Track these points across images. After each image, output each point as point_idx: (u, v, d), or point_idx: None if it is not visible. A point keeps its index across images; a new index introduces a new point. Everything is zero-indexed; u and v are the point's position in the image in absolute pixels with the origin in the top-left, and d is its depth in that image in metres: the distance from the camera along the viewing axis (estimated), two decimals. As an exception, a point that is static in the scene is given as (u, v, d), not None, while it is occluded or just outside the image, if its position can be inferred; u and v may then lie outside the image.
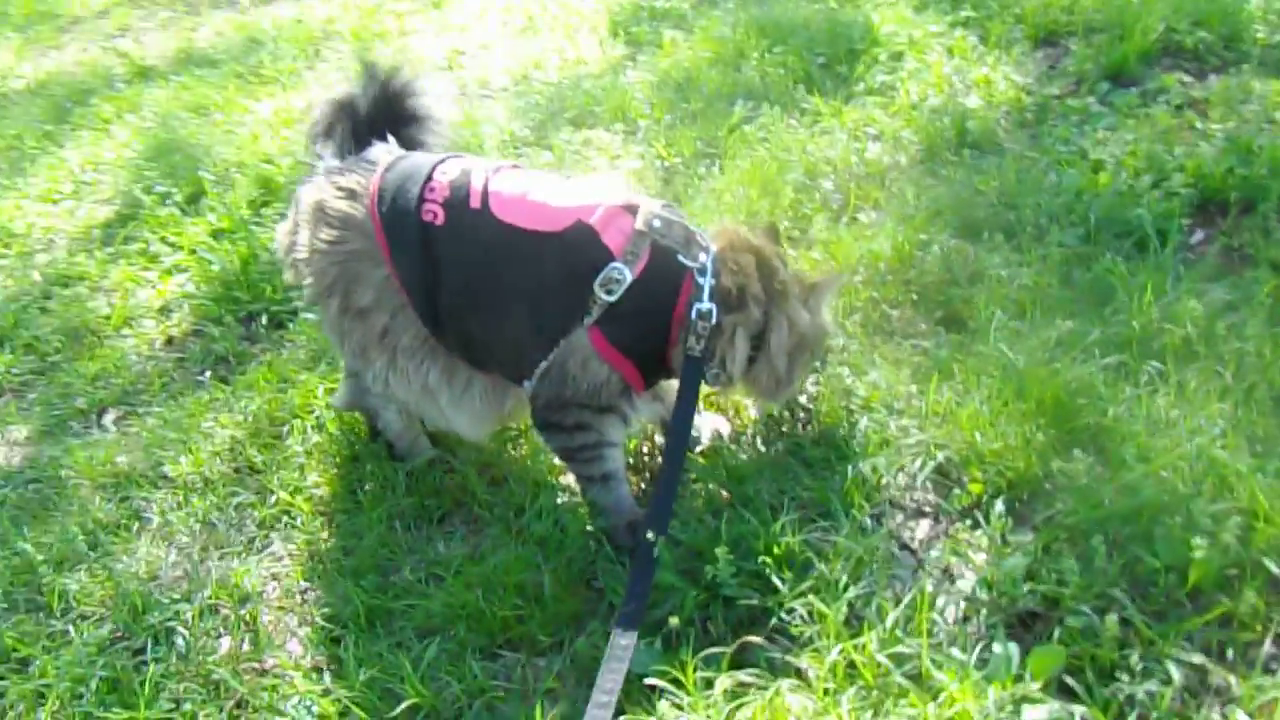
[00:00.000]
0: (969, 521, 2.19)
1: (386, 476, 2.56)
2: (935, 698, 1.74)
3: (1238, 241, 2.73)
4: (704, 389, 2.43)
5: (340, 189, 2.30)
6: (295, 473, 2.66)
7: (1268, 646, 1.78)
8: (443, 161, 2.27)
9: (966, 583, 2.04)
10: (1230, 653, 1.81)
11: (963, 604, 2.01)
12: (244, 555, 2.50)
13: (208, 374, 3.19)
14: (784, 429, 2.50)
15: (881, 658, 1.83)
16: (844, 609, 1.90)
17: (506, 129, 4.04)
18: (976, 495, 2.21)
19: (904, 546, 2.16)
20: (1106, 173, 2.99)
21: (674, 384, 2.26)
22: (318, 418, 2.79)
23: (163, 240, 3.92)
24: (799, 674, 1.87)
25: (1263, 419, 2.12)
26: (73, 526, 2.62)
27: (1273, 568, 1.86)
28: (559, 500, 2.41)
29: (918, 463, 2.30)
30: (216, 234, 3.79)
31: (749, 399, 2.49)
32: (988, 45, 3.88)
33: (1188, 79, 3.48)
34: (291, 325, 3.28)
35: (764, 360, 2.28)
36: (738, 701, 1.80)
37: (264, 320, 3.35)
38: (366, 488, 2.55)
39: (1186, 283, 2.49)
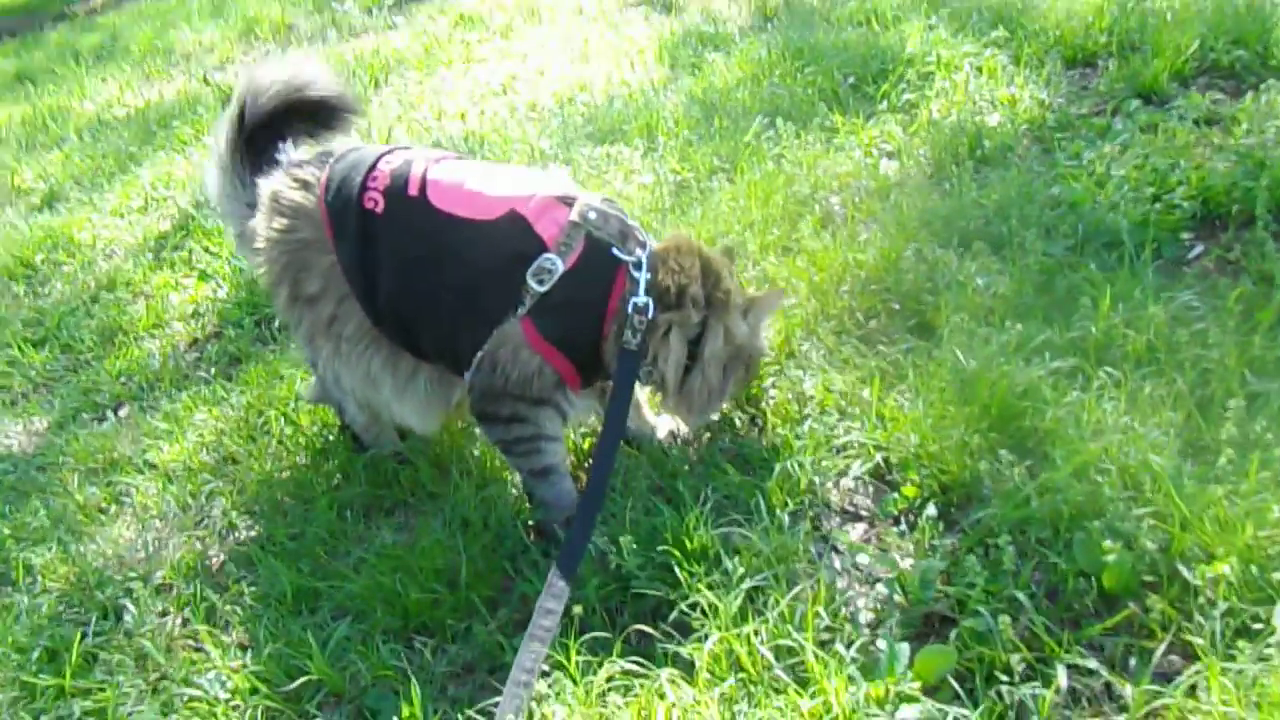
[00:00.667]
0: (902, 526, 2.13)
1: (344, 467, 2.61)
2: (808, 691, 1.70)
3: (1233, 255, 2.60)
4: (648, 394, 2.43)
5: (295, 180, 2.37)
6: (268, 462, 2.73)
7: (1161, 652, 1.67)
8: (390, 152, 2.32)
9: (885, 587, 1.99)
10: (1132, 661, 1.72)
11: (876, 605, 1.95)
12: (206, 539, 2.57)
13: (212, 371, 3.30)
14: (736, 431, 2.46)
15: (764, 651, 1.79)
16: (737, 602, 1.87)
17: (535, 146, 4.10)
18: (910, 499, 2.15)
19: (832, 548, 2.10)
20: (1108, 186, 2.89)
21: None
22: (292, 409, 2.85)
23: (205, 250, 4.09)
24: (690, 667, 1.83)
25: (1213, 428, 2.01)
26: (40, 506, 2.74)
27: (1188, 576, 1.76)
28: (496, 492, 2.41)
29: (856, 465, 2.24)
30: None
31: (679, 415, 2.44)
32: (1018, 65, 3.79)
33: (1220, 97, 3.34)
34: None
35: (698, 369, 2.26)
36: (617, 686, 1.79)
37: (276, 324, 3.46)
38: (323, 476, 2.60)
39: (1152, 290, 2.38)
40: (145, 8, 10.74)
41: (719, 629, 1.83)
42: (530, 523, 2.32)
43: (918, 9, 4.41)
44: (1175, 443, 2.00)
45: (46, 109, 6.88)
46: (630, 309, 2.16)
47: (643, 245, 2.21)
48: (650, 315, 2.17)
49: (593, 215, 2.19)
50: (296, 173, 2.39)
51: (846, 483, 2.26)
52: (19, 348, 3.75)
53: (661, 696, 1.75)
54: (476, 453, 2.60)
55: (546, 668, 1.84)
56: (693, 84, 4.36)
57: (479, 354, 2.20)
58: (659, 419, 2.56)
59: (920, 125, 3.56)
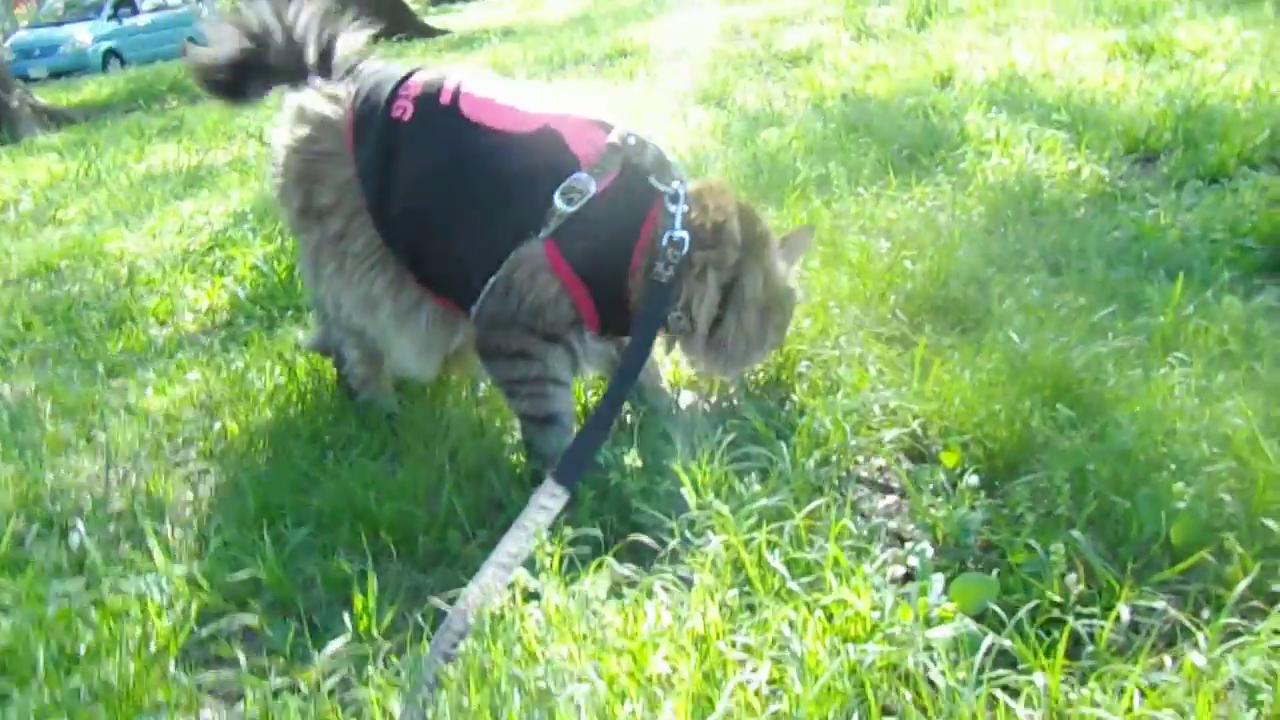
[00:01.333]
0: (937, 497, 1.89)
1: (335, 413, 2.42)
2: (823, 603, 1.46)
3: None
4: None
5: (325, 94, 2.26)
6: (254, 412, 2.53)
7: (1238, 595, 1.41)
8: (426, 69, 2.22)
9: (916, 545, 1.73)
10: (1205, 612, 1.46)
11: (903, 556, 1.71)
12: (171, 475, 2.36)
13: (214, 343, 3.14)
14: (760, 398, 2.25)
15: (774, 562, 1.55)
16: (749, 521, 1.64)
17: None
18: (950, 469, 1.91)
19: (857, 512, 1.87)
20: (1175, 229, 2.73)
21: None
22: (287, 360, 2.67)
23: (229, 258, 3.99)
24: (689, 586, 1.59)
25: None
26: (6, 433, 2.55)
27: (1274, 527, 1.52)
28: (492, 433, 2.20)
29: (890, 433, 2.02)
30: (280, 253, 3.83)
31: (713, 369, 2.22)
32: (1079, 148, 3.69)
33: (1290, 181, 3.21)
34: (310, 314, 3.22)
35: (732, 315, 2.08)
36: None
37: (290, 314, 3.31)
38: (309, 420, 2.40)
39: (1227, 285, 2.19)
40: (216, 105, 11.04)
41: (724, 534, 1.60)
42: (528, 470, 2.10)
43: (977, 105, 4.36)
44: (1255, 419, 1.77)
45: (104, 166, 6.95)
46: (665, 241, 1.99)
47: (680, 179, 2.07)
48: (685, 251, 2.00)
49: (632, 141, 2.05)
50: (327, 88, 2.27)
51: (877, 460, 2.04)
52: (23, 325, 3.62)
53: (651, 595, 1.51)
54: (477, 409, 2.40)
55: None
56: (745, 149, 4.29)
57: (492, 278, 2.03)
58: (682, 392, 2.36)
59: (976, 186, 3.44)
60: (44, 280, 4.26)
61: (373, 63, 2.33)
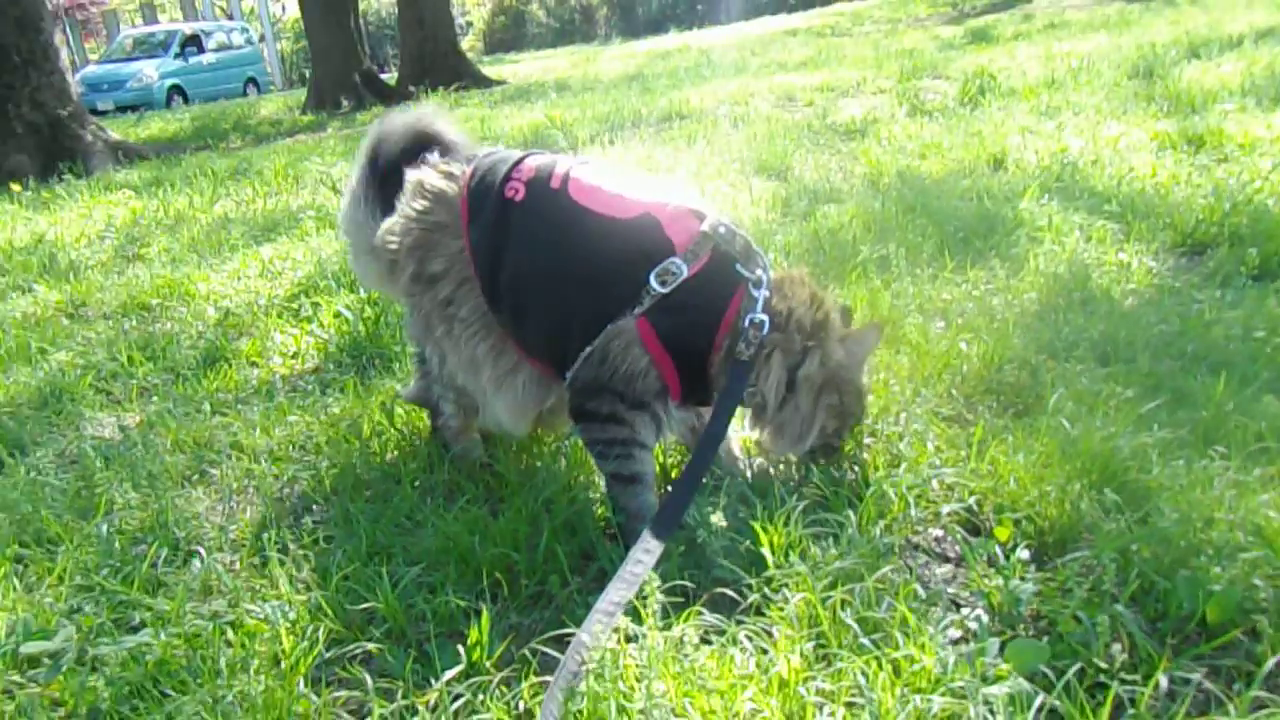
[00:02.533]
0: (991, 568, 2.07)
1: (431, 461, 2.63)
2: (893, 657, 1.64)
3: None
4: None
5: (442, 171, 2.50)
6: (355, 455, 2.75)
7: (1269, 669, 1.59)
8: (539, 154, 2.45)
9: (971, 610, 1.92)
10: (1236, 685, 1.64)
11: (964, 621, 1.89)
12: (282, 511, 2.57)
13: (310, 386, 3.37)
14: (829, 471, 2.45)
15: (848, 619, 1.74)
16: (824, 582, 1.83)
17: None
18: (1003, 542, 2.10)
19: (918, 580, 2.05)
20: (1219, 326, 2.91)
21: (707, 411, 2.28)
22: (386, 408, 2.89)
23: (314, 304, 4.24)
24: (769, 637, 1.78)
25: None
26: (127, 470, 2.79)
27: (1300, 610, 1.69)
28: (582, 482, 2.40)
29: (947, 507, 2.21)
30: (365, 303, 4.06)
31: (773, 447, 2.40)
32: (1128, 239, 3.88)
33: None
34: (399, 364, 3.44)
35: (791, 396, 2.28)
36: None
37: (377, 362, 3.54)
38: (408, 468, 2.61)
39: (1266, 384, 2.36)
40: (279, 146, 11.46)
41: (802, 591, 1.79)
42: (614, 524, 2.30)
43: (1030, 191, 4.56)
44: (1287, 510, 1.95)
45: (180, 205, 7.26)
46: (747, 323, 2.20)
47: (764, 267, 2.28)
48: (765, 331, 2.21)
49: (723, 230, 2.27)
50: (443, 166, 2.52)
51: (935, 531, 2.22)
52: (126, 360, 3.86)
53: (735, 643, 1.70)
54: (564, 459, 2.60)
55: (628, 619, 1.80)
56: (805, 225, 4.50)
57: (589, 348, 2.25)
58: (755, 461, 2.55)
59: (1029, 272, 3.63)
60: (137, 317, 4.52)
61: (488, 147, 2.57)
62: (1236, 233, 3.84)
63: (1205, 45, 8.71)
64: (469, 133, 4.86)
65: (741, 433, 2.55)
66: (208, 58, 25.43)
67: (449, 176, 2.48)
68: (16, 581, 2.29)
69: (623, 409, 2.26)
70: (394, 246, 2.52)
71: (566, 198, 2.30)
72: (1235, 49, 8.31)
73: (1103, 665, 1.65)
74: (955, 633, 1.86)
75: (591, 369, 2.25)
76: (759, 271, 2.26)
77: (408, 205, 2.49)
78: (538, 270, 2.30)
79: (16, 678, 1.93)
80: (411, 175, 2.55)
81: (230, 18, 35.29)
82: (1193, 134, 5.43)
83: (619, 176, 2.36)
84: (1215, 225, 3.94)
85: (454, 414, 2.64)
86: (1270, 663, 1.59)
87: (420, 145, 2.69)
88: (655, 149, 7.15)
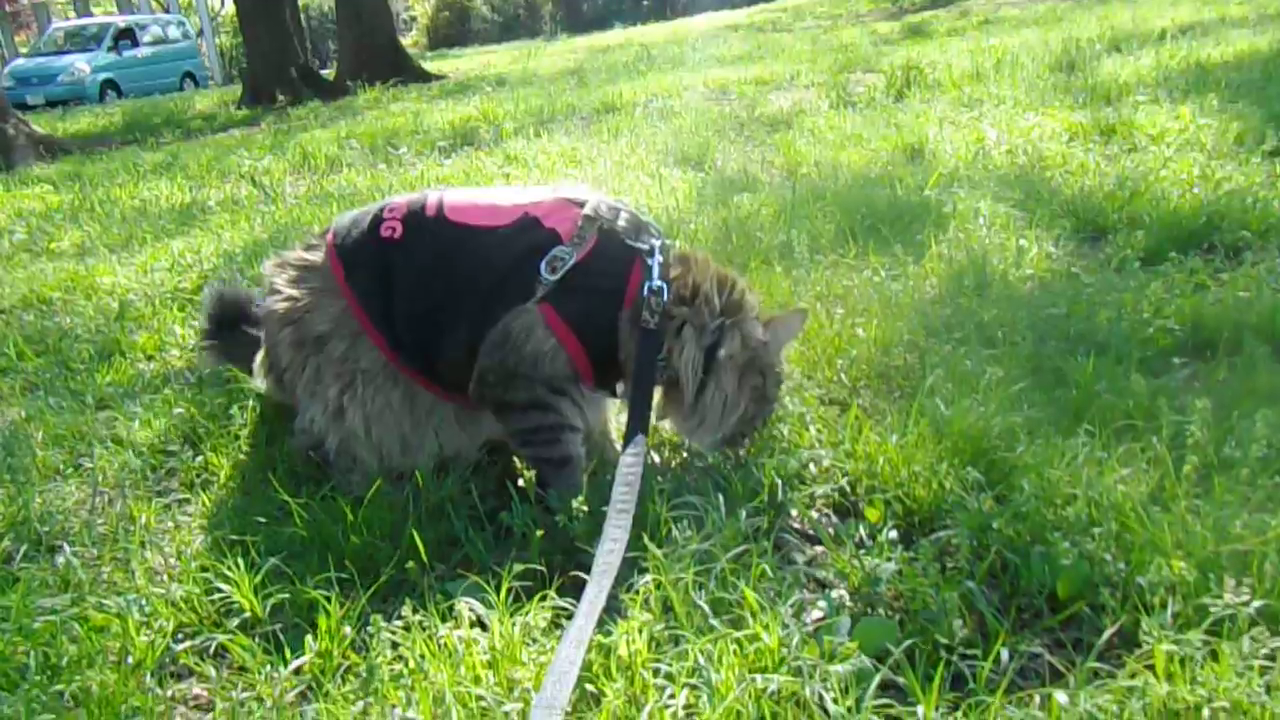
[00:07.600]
0: (861, 550, 2.07)
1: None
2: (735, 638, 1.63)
3: (1220, 376, 2.60)
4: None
5: (303, 247, 2.48)
6: (231, 442, 2.70)
7: (1106, 639, 1.59)
8: (399, 196, 2.43)
9: (837, 592, 1.91)
10: (1079, 659, 1.64)
11: (816, 601, 1.88)
12: (150, 500, 2.52)
13: (199, 379, 3.30)
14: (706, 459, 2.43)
15: (700, 600, 1.72)
16: (680, 564, 1.81)
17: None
18: (872, 523, 2.09)
19: (787, 560, 2.04)
20: (1104, 308, 2.93)
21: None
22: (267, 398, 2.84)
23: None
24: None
25: (1186, 492, 1.96)
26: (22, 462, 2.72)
27: (1143, 584, 1.69)
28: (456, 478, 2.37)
29: (820, 489, 2.20)
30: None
31: (696, 436, 2.37)
32: (1030, 225, 3.91)
33: (1221, 264, 3.43)
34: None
35: (712, 379, 2.24)
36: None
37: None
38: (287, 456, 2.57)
39: (1137, 363, 2.38)
40: (208, 140, 11.31)
41: (653, 570, 1.77)
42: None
43: (934, 180, 4.59)
44: (1145, 489, 1.96)
45: (97, 199, 7.13)
46: (645, 291, 2.18)
47: (657, 237, 2.26)
48: (665, 299, 2.18)
49: (604, 209, 2.25)
50: (300, 248, 2.49)
51: (813, 514, 2.21)
52: (15, 355, 3.77)
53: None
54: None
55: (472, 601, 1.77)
56: (715, 214, 4.49)
57: (489, 333, 2.20)
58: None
59: (930, 258, 3.64)
60: (36, 311, 4.41)
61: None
62: (1136, 219, 3.88)
63: (1127, 40, 8.84)
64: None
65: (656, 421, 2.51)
66: (143, 52, 24.98)
67: (310, 248, 2.45)
68: None
69: (543, 393, 2.22)
70: (265, 323, 2.48)
71: (446, 222, 2.28)
72: (1156, 43, 8.42)
73: (944, 641, 1.64)
74: (816, 613, 1.86)
75: (496, 353, 2.20)
76: (652, 241, 2.24)
77: (273, 282, 2.44)
78: (434, 299, 2.27)
79: None
80: (268, 265, 2.51)
81: (166, 11, 34.74)
82: (1105, 125, 5.50)
83: (491, 191, 2.35)
84: (1116, 211, 3.98)
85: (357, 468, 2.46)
86: (1107, 634, 1.59)
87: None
88: (580, 141, 7.14)
